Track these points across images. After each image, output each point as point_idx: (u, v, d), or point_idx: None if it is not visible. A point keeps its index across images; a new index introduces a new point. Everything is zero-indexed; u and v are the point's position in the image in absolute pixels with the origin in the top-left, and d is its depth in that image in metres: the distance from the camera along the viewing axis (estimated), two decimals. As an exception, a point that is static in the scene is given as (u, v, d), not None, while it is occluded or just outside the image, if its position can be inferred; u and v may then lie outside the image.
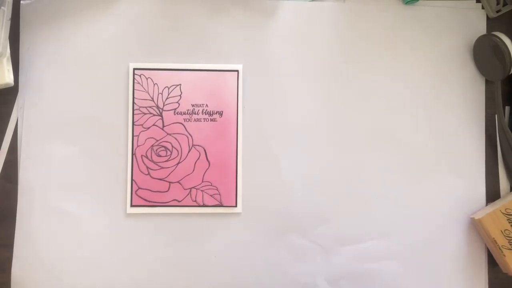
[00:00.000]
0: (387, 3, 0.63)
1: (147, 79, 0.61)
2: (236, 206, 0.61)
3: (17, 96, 0.61)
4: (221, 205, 0.61)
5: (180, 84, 0.61)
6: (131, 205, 0.61)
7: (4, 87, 0.60)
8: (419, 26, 0.63)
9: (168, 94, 0.61)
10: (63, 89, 0.61)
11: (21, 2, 0.62)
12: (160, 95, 0.61)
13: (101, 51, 0.62)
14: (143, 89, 0.61)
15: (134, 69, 0.61)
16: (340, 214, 0.61)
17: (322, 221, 0.61)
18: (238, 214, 0.61)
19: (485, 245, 0.61)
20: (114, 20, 0.62)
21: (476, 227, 0.61)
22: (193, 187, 0.61)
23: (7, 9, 0.58)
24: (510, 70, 0.59)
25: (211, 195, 0.61)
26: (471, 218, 0.61)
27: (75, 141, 0.61)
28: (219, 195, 0.61)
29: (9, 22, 0.58)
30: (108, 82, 0.61)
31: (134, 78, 0.61)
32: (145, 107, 0.61)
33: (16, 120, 0.61)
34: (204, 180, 0.61)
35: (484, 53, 0.61)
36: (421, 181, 0.62)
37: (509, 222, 0.58)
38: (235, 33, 0.62)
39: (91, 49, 0.62)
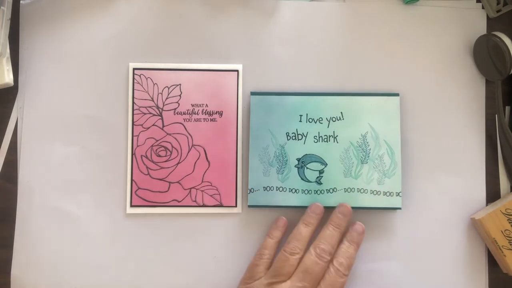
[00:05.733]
0: (387, 3, 0.63)
1: (147, 79, 0.61)
2: (236, 206, 0.61)
3: (17, 96, 0.61)
4: (221, 205, 0.61)
5: (180, 84, 0.61)
6: (131, 205, 0.61)
7: (4, 87, 0.60)
8: (419, 26, 0.63)
9: (168, 94, 0.61)
10: (63, 89, 0.61)
11: (21, 2, 0.62)
12: (160, 95, 0.61)
13: (101, 51, 0.62)
14: (143, 89, 0.61)
15: (134, 69, 0.61)
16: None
17: (322, 221, 0.61)
18: (238, 214, 0.61)
19: (485, 245, 0.61)
20: (114, 20, 0.62)
21: (476, 227, 0.61)
22: (193, 187, 0.61)
23: (7, 9, 0.58)
24: (510, 70, 0.59)
25: (211, 195, 0.61)
26: (471, 218, 0.61)
27: (75, 141, 0.61)
28: (219, 195, 0.61)
29: (8, 22, 0.58)
30: (108, 82, 0.61)
31: (134, 78, 0.61)
32: (145, 107, 0.61)
33: (16, 120, 0.61)
34: (204, 180, 0.61)
35: (484, 53, 0.61)
36: (421, 181, 0.62)
37: (509, 222, 0.58)
38: (235, 33, 0.62)
39: (91, 49, 0.62)
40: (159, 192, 0.61)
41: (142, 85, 0.61)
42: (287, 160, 0.60)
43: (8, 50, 0.59)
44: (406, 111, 0.62)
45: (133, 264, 0.61)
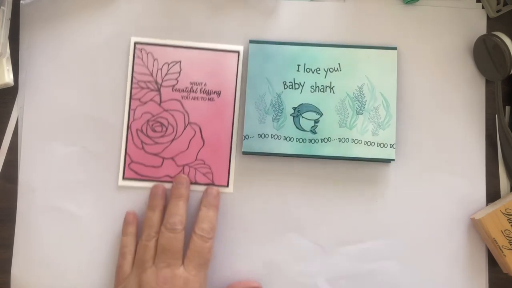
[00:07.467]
0: (387, 3, 0.63)
1: (147, 54, 0.61)
2: (227, 186, 0.61)
3: (17, 96, 0.62)
4: (212, 184, 0.61)
5: (180, 61, 0.61)
6: (123, 178, 0.61)
7: (4, 87, 0.60)
8: (419, 26, 0.63)
9: (168, 70, 0.61)
10: (63, 88, 0.61)
11: (21, 2, 0.62)
12: (159, 71, 0.61)
13: (101, 51, 0.62)
14: (142, 63, 0.61)
15: (136, 43, 0.61)
16: (340, 214, 0.61)
17: (322, 221, 0.61)
18: (229, 194, 0.61)
19: (485, 245, 0.61)
20: (113, 19, 0.62)
21: (476, 227, 0.61)
22: (186, 164, 0.61)
23: (7, 9, 0.58)
24: (510, 70, 0.59)
25: (203, 174, 0.61)
26: (471, 218, 0.61)
27: (75, 141, 0.61)
28: (211, 174, 0.61)
29: (8, 22, 0.58)
30: (107, 81, 0.61)
31: (134, 52, 0.61)
32: (144, 82, 0.61)
33: (16, 120, 0.61)
34: (197, 158, 0.61)
35: (484, 53, 0.61)
36: (421, 181, 0.61)
37: (509, 222, 0.58)
38: (234, 33, 0.62)
39: (91, 48, 0.62)
40: (152, 166, 0.61)
41: (142, 60, 0.61)
42: (283, 108, 0.60)
43: (8, 50, 0.59)
44: (406, 111, 0.62)
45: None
